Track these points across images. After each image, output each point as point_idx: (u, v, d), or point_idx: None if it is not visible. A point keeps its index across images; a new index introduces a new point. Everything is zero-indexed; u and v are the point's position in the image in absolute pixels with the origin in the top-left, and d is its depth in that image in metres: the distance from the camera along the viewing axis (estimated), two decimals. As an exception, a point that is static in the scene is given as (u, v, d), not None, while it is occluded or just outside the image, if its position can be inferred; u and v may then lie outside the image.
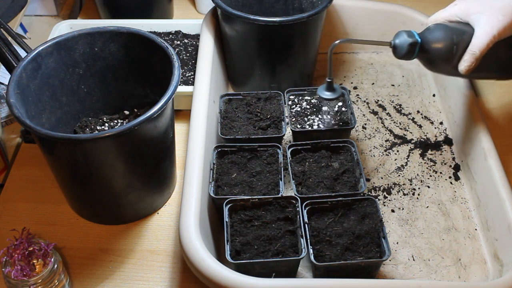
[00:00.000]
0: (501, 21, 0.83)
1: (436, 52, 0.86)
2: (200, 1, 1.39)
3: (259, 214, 0.85)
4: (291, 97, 1.04)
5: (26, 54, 0.90)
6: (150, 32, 1.02)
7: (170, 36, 1.23)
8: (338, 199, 0.85)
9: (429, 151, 1.06)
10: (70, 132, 0.97)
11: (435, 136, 1.09)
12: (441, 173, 1.02)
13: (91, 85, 0.97)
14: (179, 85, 0.98)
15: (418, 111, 1.13)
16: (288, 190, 0.96)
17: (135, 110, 1.02)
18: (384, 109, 1.14)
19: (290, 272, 0.84)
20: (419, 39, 0.86)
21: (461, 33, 0.85)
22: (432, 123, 1.11)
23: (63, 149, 0.82)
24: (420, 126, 1.10)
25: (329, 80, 0.92)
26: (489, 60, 0.87)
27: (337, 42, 0.87)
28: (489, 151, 0.93)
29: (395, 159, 1.04)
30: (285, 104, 1.02)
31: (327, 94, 0.94)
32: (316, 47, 1.13)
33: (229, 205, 0.84)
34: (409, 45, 0.85)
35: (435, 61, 0.87)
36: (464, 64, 0.84)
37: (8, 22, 1.18)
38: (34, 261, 0.78)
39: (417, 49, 0.86)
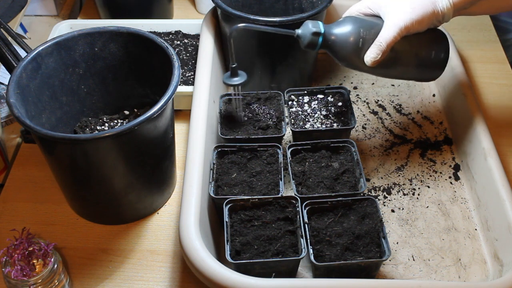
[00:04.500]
0: (409, 13, 0.81)
1: (340, 44, 0.85)
2: (200, 1, 1.39)
3: (259, 214, 0.85)
4: (291, 97, 1.04)
5: (26, 54, 0.90)
6: (150, 32, 1.02)
7: (170, 36, 1.23)
8: (338, 199, 0.85)
9: (429, 151, 1.06)
10: (70, 132, 0.97)
11: (435, 136, 1.09)
12: (441, 173, 1.02)
13: (91, 85, 0.97)
14: (179, 85, 0.98)
15: (418, 111, 1.13)
16: (288, 190, 0.96)
17: (135, 110, 1.02)
18: (384, 109, 1.14)
19: (290, 272, 0.84)
20: (322, 30, 0.85)
21: (369, 26, 0.84)
22: (432, 123, 1.11)
23: (63, 149, 0.82)
24: (420, 126, 1.10)
25: (233, 66, 0.92)
26: (403, 57, 0.86)
27: (239, 25, 0.87)
28: (489, 151, 0.93)
29: (395, 159, 1.04)
30: (285, 104, 1.03)
31: (234, 80, 0.93)
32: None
33: (229, 205, 0.84)
34: (311, 34, 0.85)
35: (342, 54, 0.86)
36: (370, 55, 0.83)
37: (8, 22, 1.19)
38: (34, 261, 0.78)
39: (320, 39, 0.85)
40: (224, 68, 1.15)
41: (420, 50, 0.87)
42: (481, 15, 0.90)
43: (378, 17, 0.86)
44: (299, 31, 0.87)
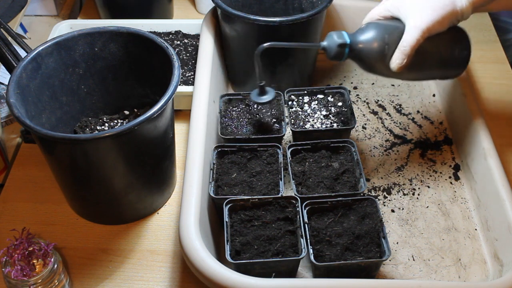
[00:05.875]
0: (430, 15, 0.81)
1: (367, 52, 0.84)
2: (200, 1, 1.39)
3: (259, 214, 0.85)
4: (291, 97, 1.04)
5: (26, 54, 0.90)
6: (150, 32, 1.02)
7: (170, 36, 1.23)
8: (338, 199, 0.85)
9: (429, 151, 1.06)
10: (70, 132, 0.97)
11: (435, 136, 1.09)
12: (441, 173, 1.02)
13: (91, 85, 0.97)
14: (179, 85, 0.98)
15: (418, 111, 1.13)
16: (288, 190, 0.96)
17: (135, 110, 1.02)
18: (384, 109, 1.14)
19: (290, 272, 0.84)
20: (348, 40, 0.84)
21: (392, 31, 0.84)
22: (432, 123, 1.11)
23: (63, 149, 0.82)
24: (420, 126, 1.10)
25: (260, 84, 0.92)
26: (427, 58, 0.85)
27: (265, 45, 0.87)
28: (489, 151, 0.93)
29: (395, 159, 1.04)
30: (285, 104, 1.03)
31: (263, 98, 0.93)
32: (316, 50, 1.13)
33: (229, 205, 0.84)
34: (337, 46, 0.84)
35: (369, 62, 0.86)
36: (396, 61, 0.83)
37: (8, 22, 1.19)
38: (34, 261, 0.78)
39: (347, 50, 0.85)
40: (224, 68, 1.15)
41: (444, 50, 0.87)
42: (499, 11, 0.90)
43: (398, 19, 0.85)
44: (324, 44, 0.86)
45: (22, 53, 0.94)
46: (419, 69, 0.87)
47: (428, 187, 1.00)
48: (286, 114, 1.01)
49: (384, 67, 0.85)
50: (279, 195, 0.86)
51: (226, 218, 0.83)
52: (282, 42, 0.90)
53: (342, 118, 1.00)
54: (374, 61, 0.85)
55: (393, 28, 0.84)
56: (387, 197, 0.98)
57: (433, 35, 0.83)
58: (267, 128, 0.98)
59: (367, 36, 0.84)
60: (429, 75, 0.91)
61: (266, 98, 0.93)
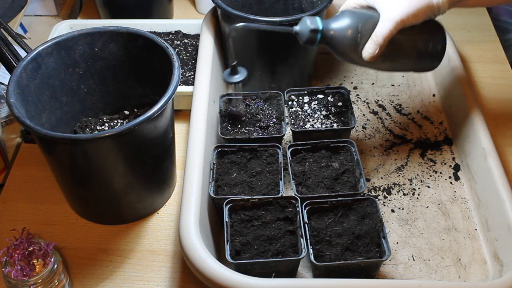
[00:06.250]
0: (405, 7, 0.81)
1: (339, 40, 0.85)
2: (200, 1, 1.39)
3: (259, 214, 0.85)
4: (291, 97, 1.04)
5: (26, 54, 0.90)
6: (150, 32, 1.02)
7: (170, 36, 1.23)
8: (338, 199, 0.85)
9: (429, 151, 1.06)
10: (70, 132, 0.97)
11: (435, 136, 1.09)
12: (441, 173, 1.02)
13: (91, 85, 0.97)
14: (179, 85, 0.98)
15: (418, 111, 1.13)
16: (288, 190, 0.96)
17: (135, 110, 1.02)
18: (384, 109, 1.14)
19: (290, 272, 0.84)
20: (320, 26, 0.85)
21: (366, 20, 0.84)
22: (432, 123, 1.11)
23: (63, 149, 0.82)
24: (420, 126, 1.10)
25: (233, 64, 0.92)
26: (401, 50, 0.86)
27: (238, 25, 0.87)
28: (489, 151, 0.93)
29: (395, 159, 1.04)
30: (285, 104, 1.03)
31: (234, 78, 0.93)
32: (316, 47, 1.13)
33: (229, 205, 0.84)
34: (309, 32, 0.84)
35: (341, 50, 0.86)
36: (368, 51, 0.83)
37: (8, 22, 1.19)
38: (34, 261, 0.78)
39: (319, 36, 0.85)
40: (224, 68, 1.15)
41: (417, 42, 0.87)
42: (476, 7, 0.90)
43: (374, 9, 0.85)
44: (297, 28, 0.86)
45: (22, 53, 0.94)
46: (392, 59, 0.87)
47: (428, 187, 1.00)
48: (286, 114, 1.01)
49: (357, 56, 0.85)
50: (279, 195, 0.86)
51: (226, 218, 0.83)
52: (255, 24, 0.90)
53: (342, 118, 1.00)
54: (346, 49, 0.85)
55: (367, 17, 0.84)
56: (387, 197, 0.98)
57: (408, 27, 0.83)
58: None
59: (341, 23, 0.85)
60: (403, 66, 0.91)
61: (237, 78, 0.93)
